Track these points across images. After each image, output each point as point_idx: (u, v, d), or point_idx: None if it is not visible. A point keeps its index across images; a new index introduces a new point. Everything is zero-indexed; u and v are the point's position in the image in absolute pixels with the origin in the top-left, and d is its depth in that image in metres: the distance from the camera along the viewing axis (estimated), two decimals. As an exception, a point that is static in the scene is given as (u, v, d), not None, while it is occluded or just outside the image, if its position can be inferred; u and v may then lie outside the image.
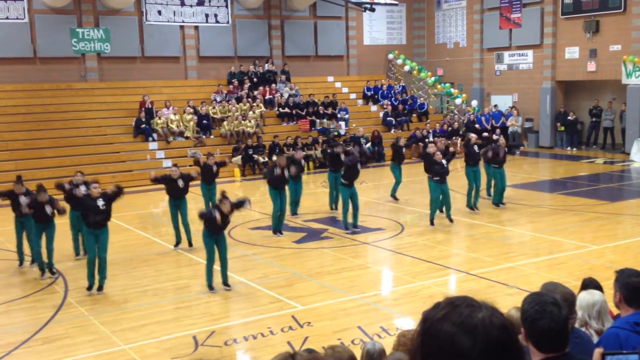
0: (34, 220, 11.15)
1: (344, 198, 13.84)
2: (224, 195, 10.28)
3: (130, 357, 7.89)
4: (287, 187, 14.16)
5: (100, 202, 10.27)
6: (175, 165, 13.44)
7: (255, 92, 25.81)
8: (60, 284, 10.83)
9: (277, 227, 13.75)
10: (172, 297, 10.10)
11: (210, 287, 10.18)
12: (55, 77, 23.84)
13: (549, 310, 2.90)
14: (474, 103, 28.73)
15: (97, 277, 10.29)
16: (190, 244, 12.75)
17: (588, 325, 4.57)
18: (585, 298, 4.65)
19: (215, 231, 10.11)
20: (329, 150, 16.98)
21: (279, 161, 13.92)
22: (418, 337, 1.63)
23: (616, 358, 2.85)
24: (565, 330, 2.94)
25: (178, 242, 12.84)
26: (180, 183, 12.65)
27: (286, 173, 13.85)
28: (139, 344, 8.26)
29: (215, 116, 24.28)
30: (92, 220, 10.19)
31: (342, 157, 14.96)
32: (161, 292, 10.31)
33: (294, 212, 15.18)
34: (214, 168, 14.58)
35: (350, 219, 13.85)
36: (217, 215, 9.91)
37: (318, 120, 25.66)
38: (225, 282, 10.29)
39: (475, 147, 15.47)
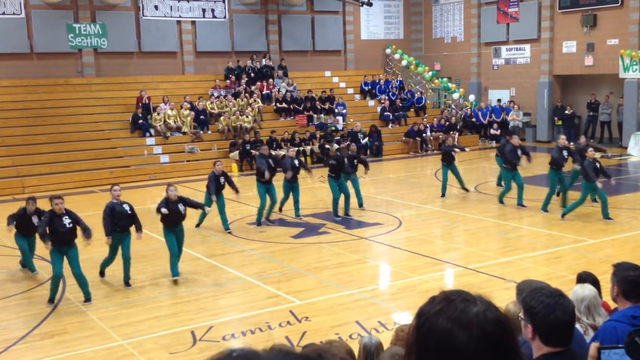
0: (20, 234, 10.89)
1: (332, 188, 14.64)
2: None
3: (129, 352, 7.89)
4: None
5: (67, 220, 9.63)
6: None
7: (253, 87, 25.77)
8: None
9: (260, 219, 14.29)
10: (170, 293, 10.10)
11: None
12: (52, 72, 23.79)
13: (560, 303, 2.86)
14: (472, 97, 28.74)
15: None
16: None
17: (580, 320, 4.58)
18: (577, 292, 4.65)
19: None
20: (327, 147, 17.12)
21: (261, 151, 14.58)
22: (413, 333, 1.63)
23: (612, 352, 2.86)
24: (574, 322, 2.92)
25: None
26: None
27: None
28: (137, 339, 8.27)
29: (212, 111, 24.25)
30: (59, 239, 9.56)
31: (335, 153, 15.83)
32: (159, 288, 10.32)
33: (297, 214, 14.89)
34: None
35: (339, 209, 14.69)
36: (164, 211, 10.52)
37: (315, 115, 25.65)
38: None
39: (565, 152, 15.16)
